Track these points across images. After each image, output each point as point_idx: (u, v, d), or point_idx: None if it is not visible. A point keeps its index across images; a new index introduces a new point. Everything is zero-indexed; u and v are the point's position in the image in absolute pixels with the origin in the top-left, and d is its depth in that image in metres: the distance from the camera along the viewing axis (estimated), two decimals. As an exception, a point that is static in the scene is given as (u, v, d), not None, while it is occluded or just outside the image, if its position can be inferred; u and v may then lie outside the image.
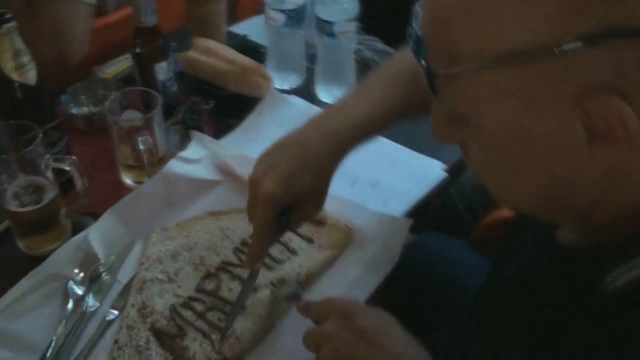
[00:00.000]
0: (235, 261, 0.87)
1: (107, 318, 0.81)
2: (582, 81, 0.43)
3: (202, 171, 1.00)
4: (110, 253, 0.88)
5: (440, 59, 0.48)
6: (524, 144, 0.48)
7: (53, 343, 0.77)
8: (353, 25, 1.11)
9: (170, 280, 0.85)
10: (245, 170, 0.96)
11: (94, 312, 0.82)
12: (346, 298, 0.81)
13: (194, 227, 0.92)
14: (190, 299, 0.82)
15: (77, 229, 0.91)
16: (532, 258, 0.64)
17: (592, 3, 0.41)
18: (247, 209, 0.77)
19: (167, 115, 1.03)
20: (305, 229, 0.91)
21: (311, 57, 1.23)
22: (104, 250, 0.88)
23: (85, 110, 1.15)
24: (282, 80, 1.22)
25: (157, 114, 0.96)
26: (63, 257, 0.86)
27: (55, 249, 0.87)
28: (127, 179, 1.01)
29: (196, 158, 1.01)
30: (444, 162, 1.04)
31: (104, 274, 0.86)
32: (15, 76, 0.87)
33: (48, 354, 0.76)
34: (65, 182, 0.91)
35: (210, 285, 0.84)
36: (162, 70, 1.09)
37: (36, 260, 0.86)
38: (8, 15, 0.84)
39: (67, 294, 0.83)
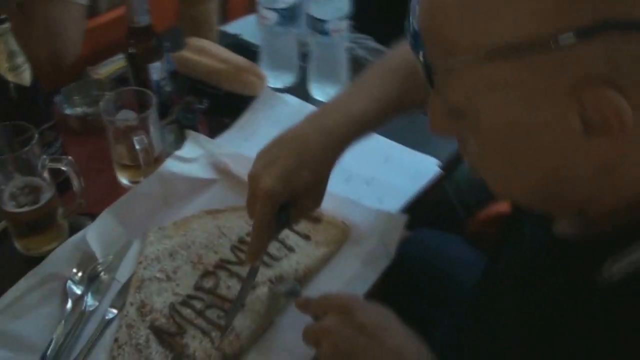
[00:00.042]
0: (233, 259, 0.88)
1: (107, 317, 0.81)
2: (578, 74, 0.43)
3: (198, 170, 1.00)
4: (108, 252, 0.88)
5: (437, 53, 0.49)
6: (521, 137, 0.48)
7: (53, 343, 0.77)
8: (346, 24, 1.11)
9: (168, 278, 0.85)
10: (241, 169, 0.96)
11: (93, 312, 0.82)
12: (345, 293, 0.81)
13: (191, 226, 0.92)
14: (189, 297, 0.82)
15: (75, 229, 0.91)
16: (529, 251, 0.64)
17: None
18: (246, 205, 0.78)
19: (161, 115, 1.03)
20: (302, 226, 0.91)
21: (304, 56, 1.24)
22: (101, 250, 0.88)
23: (79, 110, 1.15)
24: (275, 79, 1.22)
25: (152, 113, 0.96)
26: (61, 257, 0.86)
27: (52, 249, 0.87)
28: (123, 179, 1.01)
29: (192, 157, 1.01)
30: (437, 158, 1.05)
31: (102, 274, 0.86)
32: (10, 77, 0.87)
33: (48, 353, 0.76)
34: (61, 183, 0.91)
35: (208, 283, 0.84)
36: (156, 70, 1.09)
37: (34, 261, 0.86)
38: (2, 17, 0.83)
39: (65, 294, 0.83)
